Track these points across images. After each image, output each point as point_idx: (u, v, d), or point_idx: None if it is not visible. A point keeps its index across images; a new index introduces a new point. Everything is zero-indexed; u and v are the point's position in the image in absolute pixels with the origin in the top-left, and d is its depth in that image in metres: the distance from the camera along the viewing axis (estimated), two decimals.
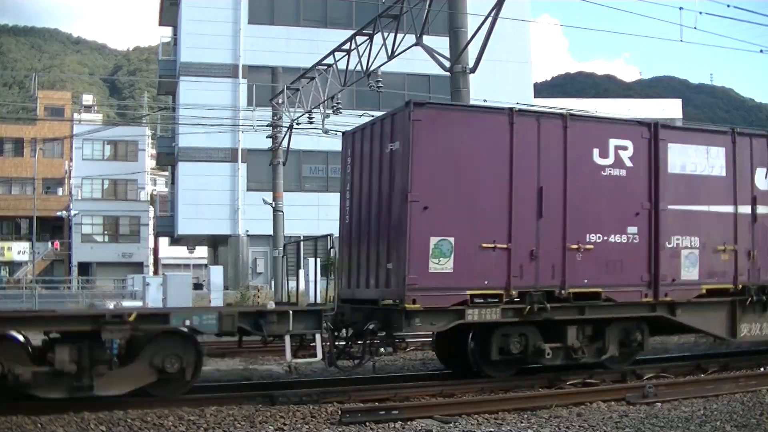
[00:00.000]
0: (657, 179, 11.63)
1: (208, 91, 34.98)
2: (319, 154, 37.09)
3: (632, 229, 11.46)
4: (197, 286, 34.46)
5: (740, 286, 12.30)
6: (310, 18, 38.61)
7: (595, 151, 11.30)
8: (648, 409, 9.57)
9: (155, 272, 56.40)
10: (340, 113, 22.47)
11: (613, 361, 11.69)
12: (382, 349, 11.42)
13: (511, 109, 10.99)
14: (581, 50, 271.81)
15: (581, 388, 10.75)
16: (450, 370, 12.15)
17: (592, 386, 10.82)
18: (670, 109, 70.96)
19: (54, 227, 61.52)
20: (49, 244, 60.64)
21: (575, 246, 11.01)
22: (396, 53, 17.49)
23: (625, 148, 11.49)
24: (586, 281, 11.07)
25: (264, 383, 11.05)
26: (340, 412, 8.88)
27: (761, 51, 39.48)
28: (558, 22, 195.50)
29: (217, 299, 25.71)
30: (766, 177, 12.74)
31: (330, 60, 21.04)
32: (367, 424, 8.59)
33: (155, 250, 63.61)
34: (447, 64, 15.11)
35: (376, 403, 9.54)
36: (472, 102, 14.91)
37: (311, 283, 28.59)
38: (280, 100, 24.81)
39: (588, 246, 11.10)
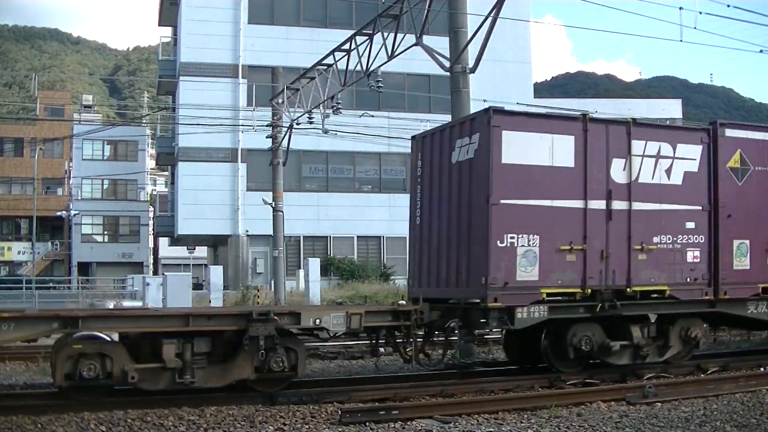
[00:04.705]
0: None
1: (208, 91, 35.00)
2: (319, 154, 37.13)
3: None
4: (197, 286, 34.44)
5: None
6: (310, 18, 38.63)
7: None
8: (648, 409, 9.56)
9: (155, 272, 56.38)
10: (340, 113, 22.48)
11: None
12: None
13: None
14: (584, 51, 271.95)
15: (581, 388, 10.74)
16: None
17: (592, 386, 10.82)
18: (670, 109, 70.90)
19: (54, 227, 61.50)
20: (49, 244, 60.64)
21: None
22: (396, 53, 17.49)
23: None
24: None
25: None
26: (340, 412, 8.88)
27: (761, 51, 39.43)
28: (561, 23, 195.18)
29: (216, 299, 25.74)
30: None
31: (330, 60, 21.03)
32: (367, 424, 8.59)
33: (155, 250, 63.56)
34: (447, 64, 15.11)
35: (376, 403, 9.54)
36: (472, 101, 14.93)
37: (311, 283, 28.79)
38: (280, 100, 24.78)
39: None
